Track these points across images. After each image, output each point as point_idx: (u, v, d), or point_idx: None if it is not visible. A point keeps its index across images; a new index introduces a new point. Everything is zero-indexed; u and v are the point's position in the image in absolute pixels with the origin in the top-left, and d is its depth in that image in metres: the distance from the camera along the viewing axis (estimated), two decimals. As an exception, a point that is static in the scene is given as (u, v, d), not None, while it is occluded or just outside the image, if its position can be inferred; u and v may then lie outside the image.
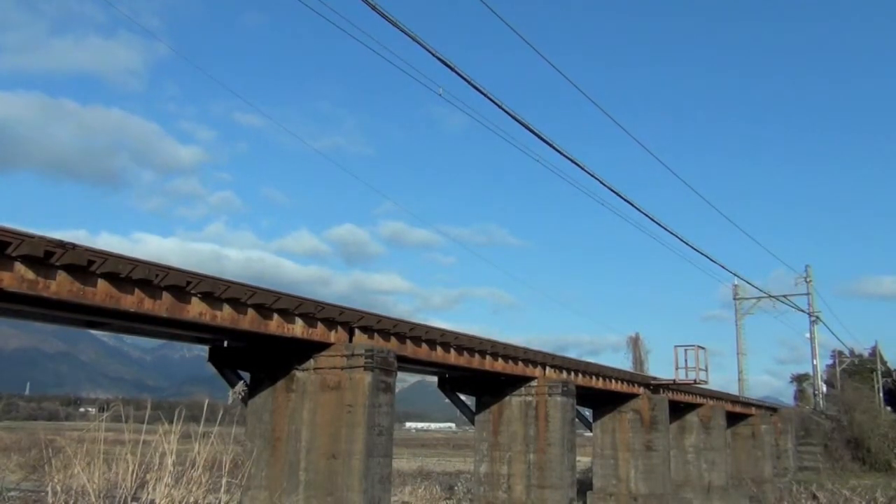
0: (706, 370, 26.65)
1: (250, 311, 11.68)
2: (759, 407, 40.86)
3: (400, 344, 14.74)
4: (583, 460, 36.43)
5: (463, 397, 20.90)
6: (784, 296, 58.73)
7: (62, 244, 8.92)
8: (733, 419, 37.14)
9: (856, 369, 69.62)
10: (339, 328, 13.44)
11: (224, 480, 11.26)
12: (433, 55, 13.08)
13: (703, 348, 26.65)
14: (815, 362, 61.32)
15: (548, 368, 20.03)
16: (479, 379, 19.63)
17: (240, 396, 13.82)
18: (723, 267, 32.69)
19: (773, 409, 43.61)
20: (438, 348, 16.05)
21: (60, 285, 9.11)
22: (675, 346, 26.73)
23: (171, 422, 10.74)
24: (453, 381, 20.17)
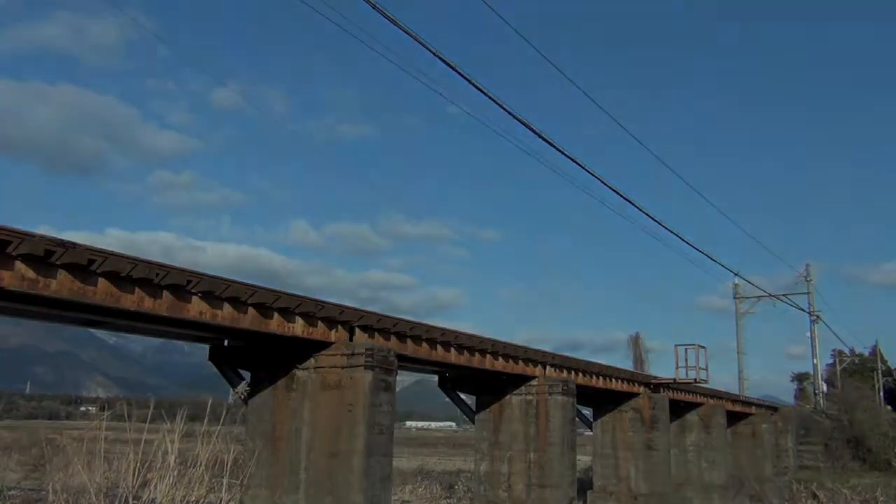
0: (706, 369, 26.70)
1: (251, 310, 11.68)
2: (759, 406, 40.90)
3: (400, 343, 14.73)
4: (583, 459, 36.43)
5: (463, 396, 20.90)
6: (784, 294, 58.79)
7: (62, 243, 8.93)
8: (734, 418, 37.16)
9: (856, 368, 69.77)
10: (340, 327, 13.44)
11: (225, 479, 11.28)
12: (434, 55, 13.09)
13: (703, 347, 26.68)
14: (815, 361, 61.38)
15: (548, 367, 20.03)
16: (479, 378, 19.62)
17: (242, 396, 13.83)
18: (723, 266, 32.80)
19: (773, 409, 43.65)
20: (439, 347, 16.05)
21: (61, 284, 9.12)
22: (676, 346, 26.76)
23: (172, 421, 10.76)
24: (454, 380, 20.16)
